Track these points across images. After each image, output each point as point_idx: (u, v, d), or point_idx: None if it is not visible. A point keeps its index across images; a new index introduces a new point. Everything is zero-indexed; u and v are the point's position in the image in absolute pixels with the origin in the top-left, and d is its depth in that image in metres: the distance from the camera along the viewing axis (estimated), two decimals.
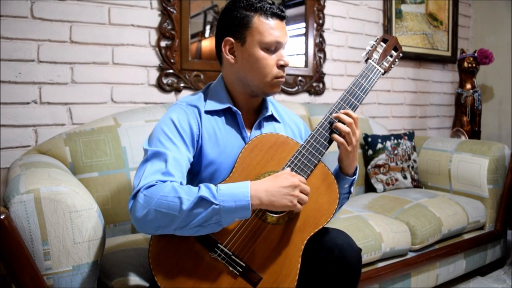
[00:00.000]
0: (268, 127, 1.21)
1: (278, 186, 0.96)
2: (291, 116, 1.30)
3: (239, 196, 0.93)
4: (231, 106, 1.14)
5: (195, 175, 1.14)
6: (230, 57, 1.12)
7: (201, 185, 0.95)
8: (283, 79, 1.15)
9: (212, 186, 0.94)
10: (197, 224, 0.92)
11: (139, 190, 0.94)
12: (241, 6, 1.10)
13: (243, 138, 1.16)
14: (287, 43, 1.14)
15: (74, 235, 1.00)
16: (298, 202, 0.97)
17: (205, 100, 1.16)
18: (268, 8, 1.09)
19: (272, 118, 1.23)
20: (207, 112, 1.14)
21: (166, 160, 1.00)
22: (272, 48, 1.10)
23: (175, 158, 1.02)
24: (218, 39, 1.16)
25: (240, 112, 1.15)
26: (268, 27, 1.09)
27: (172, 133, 1.06)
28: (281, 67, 1.12)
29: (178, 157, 1.03)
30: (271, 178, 0.98)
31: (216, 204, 0.91)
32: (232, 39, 1.11)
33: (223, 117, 1.16)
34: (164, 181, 0.96)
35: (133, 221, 0.95)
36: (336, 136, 1.08)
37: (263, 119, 1.20)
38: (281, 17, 1.12)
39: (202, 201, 0.91)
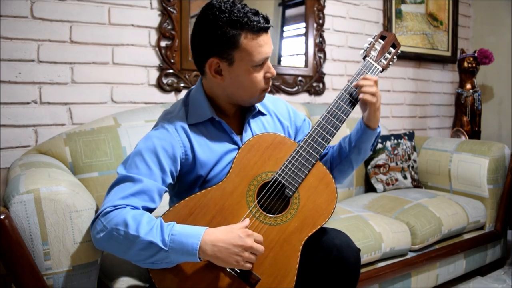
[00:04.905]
0: (256, 124, 1.20)
1: (228, 243, 0.93)
2: (275, 103, 1.28)
3: (187, 247, 0.91)
4: (213, 116, 1.12)
5: (194, 182, 1.13)
6: (217, 77, 1.08)
7: (157, 223, 0.93)
8: (269, 89, 1.14)
9: (166, 228, 0.93)
10: (149, 262, 0.94)
11: (97, 216, 0.96)
12: (225, 21, 1.01)
13: (235, 142, 1.15)
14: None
15: (74, 235, 1.00)
16: (248, 261, 0.95)
17: (187, 112, 1.13)
18: (255, 25, 1.01)
19: (258, 112, 1.21)
20: (191, 125, 1.12)
21: (133, 186, 0.99)
22: (261, 63, 1.06)
23: (144, 185, 1.00)
24: (200, 56, 1.08)
25: (223, 121, 1.14)
26: (256, 45, 1.03)
27: (149, 156, 1.03)
28: (268, 78, 1.11)
29: (148, 184, 1.01)
30: (225, 231, 0.95)
31: (166, 251, 0.91)
32: (217, 60, 1.05)
33: (210, 124, 1.14)
34: (123, 207, 0.96)
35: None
36: (366, 98, 1.09)
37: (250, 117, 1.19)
38: (267, 29, 1.05)
39: (151, 245, 0.91)
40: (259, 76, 1.08)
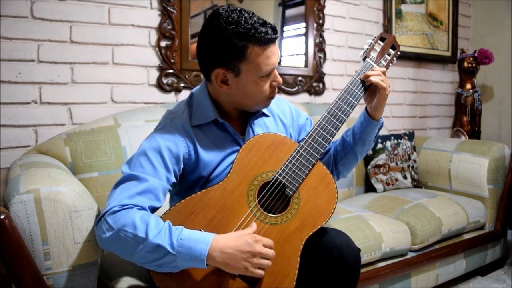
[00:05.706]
0: (258, 125, 1.20)
1: (236, 249, 0.92)
2: (277, 103, 1.28)
3: (196, 252, 0.90)
4: (217, 118, 1.12)
5: (196, 182, 1.13)
6: (223, 87, 1.07)
7: (165, 226, 0.93)
8: (275, 95, 1.14)
9: (174, 231, 0.92)
10: (155, 264, 0.93)
11: (103, 215, 0.95)
12: (232, 33, 0.99)
13: (238, 143, 1.15)
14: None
15: (74, 235, 1.00)
16: (259, 267, 0.94)
17: (190, 113, 1.13)
18: (263, 37, 0.99)
19: (261, 114, 1.21)
20: (195, 126, 1.11)
21: (139, 185, 0.99)
22: (268, 74, 1.06)
23: (150, 184, 1.00)
24: (206, 65, 1.07)
25: (227, 122, 1.13)
26: (264, 57, 1.02)
27: (153, 155, 1.03)
28: (274, 86, 1.10)
29: (154, 182, 1.00)
30: (233, 238, 0.94)
31: (173, 254, 0.90)
32: (224, 70, 1.04)
33: (213, 126, 1.14)
34: (131, 207, 0.96)
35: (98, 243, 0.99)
36: (379, 82, 1.12)
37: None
38: (275, 40, 1.04)
39: (159, 248, 0.90)
40: (266, 85, 1.07)
